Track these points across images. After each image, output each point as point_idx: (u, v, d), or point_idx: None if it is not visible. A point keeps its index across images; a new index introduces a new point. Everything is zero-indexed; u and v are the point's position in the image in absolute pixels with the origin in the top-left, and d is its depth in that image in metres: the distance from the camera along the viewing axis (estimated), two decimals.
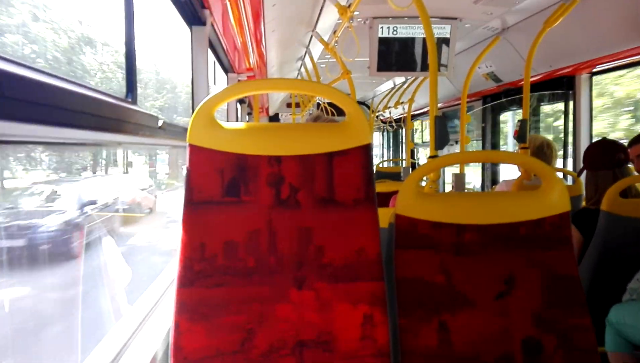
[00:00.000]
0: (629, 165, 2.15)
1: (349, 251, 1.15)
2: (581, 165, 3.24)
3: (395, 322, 1.20)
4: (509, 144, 4.84)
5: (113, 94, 1.05)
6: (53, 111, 0.70)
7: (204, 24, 2.14)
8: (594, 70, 3.22)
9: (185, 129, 1.16)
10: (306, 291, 1.14)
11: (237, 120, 4.34)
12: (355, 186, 1.17)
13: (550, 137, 3.17)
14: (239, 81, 3.69)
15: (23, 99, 0.63)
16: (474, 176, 5.21)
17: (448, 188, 6.05)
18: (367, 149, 1.19)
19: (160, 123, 1.28)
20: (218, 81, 3.53)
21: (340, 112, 1.22)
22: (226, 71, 3.67)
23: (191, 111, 2.10)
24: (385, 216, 1.37)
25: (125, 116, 1.04)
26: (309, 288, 1.14)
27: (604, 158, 2.12)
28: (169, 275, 1.79)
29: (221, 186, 1.15)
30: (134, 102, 1.19)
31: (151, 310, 1.51)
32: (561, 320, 1.20)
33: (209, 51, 2.41)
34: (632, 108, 3.91)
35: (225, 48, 2.99)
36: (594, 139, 3.32)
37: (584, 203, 2.61)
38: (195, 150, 1.14)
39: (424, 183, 2.10)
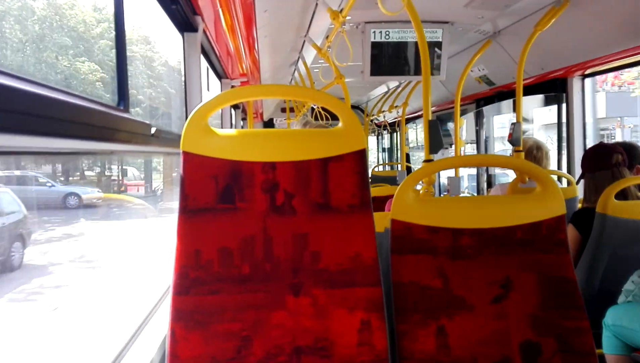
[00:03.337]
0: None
1: (345, 257, 1.15)
2: (575, 167, 3.27)
3: (393, 327, 1.19)
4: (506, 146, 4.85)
5: (104, 102, 1.05)
6: (43, 121, 0.69)
7: (196, 30, 2.13)
8: (586, 72, 3.23)
9: (179, 136, 1.15)
10: (302, 298, 1.13)
11: (231, 125, 4.33)
12: (350, 192, 1.17)
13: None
14: (232, 86, 3.68)
15: (13, 109, 0.62)
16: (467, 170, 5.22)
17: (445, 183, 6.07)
18: (361, 154, 1.19)
19: (153, 131, 1.27)
20: (211, 86, 3.52)
21: (334, 116, 1.22)
22: (219, 77, 3.66)
23: (185, 117, 2.09)
24: (381, 221, 1.37)
25: (118, 124, 1.04)
26: (305, 295, 1.13)
27: (602, 159, 2.12)
28: (164, 282, 1.78)
29: (216, 193, 1.14)
30: (126, 110, 1.18)
31: (147, 318, 1.50)
32: (559, 322, 1.20)
33: (202, 57, 2.40)
34: None
35: (218, 54, 2.98)
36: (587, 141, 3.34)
37: (579, 205, 2.62)
38: (189, 157, 1.14)
39: (419, 187, 2.10)
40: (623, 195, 2.05)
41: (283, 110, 7.52)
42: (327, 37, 3.18)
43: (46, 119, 0.71)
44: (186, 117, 1.19)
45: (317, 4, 2.65)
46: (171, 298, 1.10)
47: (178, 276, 1.10)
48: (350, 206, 1.17)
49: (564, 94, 3.37)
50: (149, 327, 1.43)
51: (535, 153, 2.78)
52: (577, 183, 2.52)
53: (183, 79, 2.20)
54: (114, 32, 1.28)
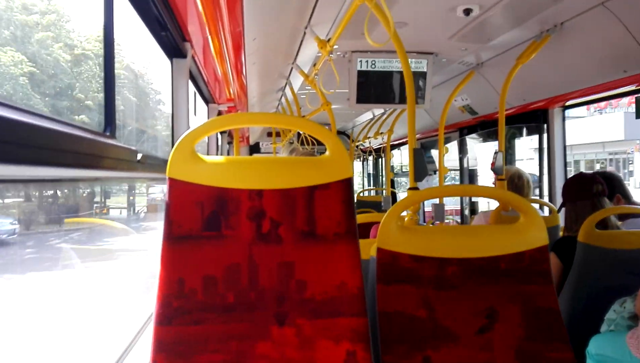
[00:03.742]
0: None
1: (330, 286, 1.14)
2: (556, 195, 3.32)
3: (379, 358, 1.18)
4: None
5: (91, 129, 1.04)
6: (26, 149, 0.68)
7: (184, 56, 2.15)
8: (567, 103, 3.32)
9: (165, 162, 1.14)
10: (287, 328, 1.12)
11: (217, 149, 4.32)
12: (336, 220, 1.17)
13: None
14: (219, 111, 3.69)
15: None
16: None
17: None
18: (348, 183, 1.19)
19: (139, 157, 1.26)
20: (199, 111, 3.53)
21: (321, 141, 1.23)
22: (207, 102, 3.67)
23: (171, 143, 2.08)
24: (366, 247, 1.37)
25: (104, 151, 1.03)
26: (290, 325, 1.12)
27: (583, 189, 2.16)
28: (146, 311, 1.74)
29: (201, 220, 1.13)
30: (112, 135, 1.18)
31: (128, 348, 1.46)
32: (543, 353, 1.20)
33: (190, 82, 2.42)
34: None
35: (205, 79, 3.00)
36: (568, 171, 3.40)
37: (561, 233, 2.65)
38: (175, 184, 1.13)
39: (404, 213, 2.11)
40: (603, 225, 2.08)
41: (269, 134, 7.55)
42: (314, 64, 3.23)
43: (30, 148, 0.70)
44: (172, 143, 1.19)
45: (305, 33, 2.70)
46: (153, 328, 1.08)
47: (161, 306, 1.08)
48: (336, 235, 1.17)
49: (545, 125, 3.45)
50: (130, 357, 1.40)
51: (516, 181, 2.83)
52: (559, 211, 2.56)
53: (171, 104, 2.20)
54: (102, 58, 1.28)
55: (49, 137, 0.73)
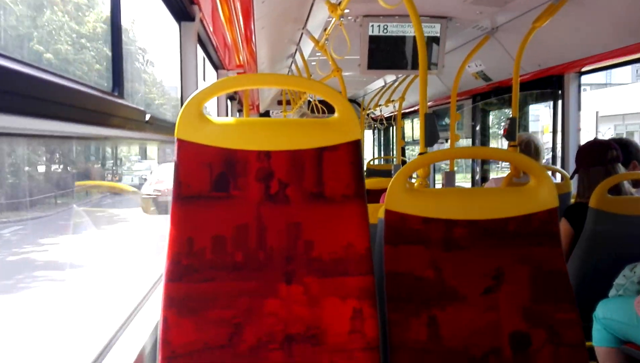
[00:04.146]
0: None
1: (337, 246, 1.15)
2: (569, 163, 3.28)
3: (384, 317, 1.20)
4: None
5: (99, 88, 1.04)
6: (35, 102, 0.69)
7: (193, 19, 2.12)
8: (583, 69, 3.24)
9: (174, 124, 1.15)
10: (295, 286, 1.13)
11: (227, 116, 4.31)
12: (344, 182, 1.17)
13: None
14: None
15: (5, 90, 0.62)
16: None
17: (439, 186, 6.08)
18: (356, 145, 1.19)
19: (147, 117, 1.27)
20: (208, 77, 3.51)
21: (331, 109, 1.22)
22: (216, 68, 3.65)
23: (180, 106, 2.08)
24: (375, 212, 1.37)
25: (112, 109, 1.03)
26: (298, 283, 1.14)
27: (597, 155, 2.13)
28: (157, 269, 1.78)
29: (210, 181, 1.14)
30: (121, 96, 1.18)
31: (139, 305, 1.50)
32: (549, 314, 1.21)
33: (199, 47, 2.39)
34: None
35: (215, 45, 2.97)
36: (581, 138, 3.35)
37: (572, 201, 2.63)
38: (183, 145, 1.13)
39: (414, 180, 2.10)
40: (616, 191, 2.06)
41: (279, 102, 7.50)
42: (325, 29, 3.17)
43: (41, 101, 0.70)
44: (181, 106, 1.19)
45: None
46: (164, 285, 1.10)
47: (171, 263, 1.11)
48: (344, 196, 1.17)
49: (560, 91, 3.38)
50: (141, 313, 1.44)
51: (523, 147, 2.81)
52: (572, 178, 2.53)
53: (179, 68, 2.19)
54: (109, 19, 1.27)
55: (55, 91, 0.73)
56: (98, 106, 0.94)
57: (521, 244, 1.24)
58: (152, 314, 1.40)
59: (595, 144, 2.20)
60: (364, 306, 1.13)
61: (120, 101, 1.14)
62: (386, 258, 1.23)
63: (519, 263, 1.23)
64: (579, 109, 3.35)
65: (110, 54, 1.23)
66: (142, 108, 1.24)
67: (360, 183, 1.18)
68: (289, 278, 1.14)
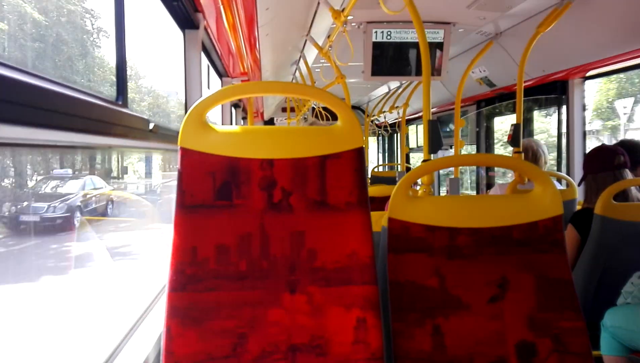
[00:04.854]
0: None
1: (341, 255, 1.15)
2: (575, 168, 3.26)
3: (389, 326, 1.19)
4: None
5: (103, 97, 1.04)
6: (40, 113, 0.69)
7: (197, 27, 2.13)
8: (587, 74, 3.23)
9: (177, 133, 1.15)
10: (298, 295, 1.13)
11: (231, 123, 4.32)
12: (347, 189, 1.17)
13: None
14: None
15: (9, 100, 0.62)
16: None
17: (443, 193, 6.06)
18: (359, 152, 1.18)
19: (151, 126, 1.27)
20: (212, 85, 3.52)
21: (335, 116, 1.22)
22: (220, 75, 3.66)
23: (184, 114, 2.08)
24: (379, 220, 1.36)
25: (116, 118, 1.03)
26: (302, 292, 1.13)
27: (604, 161, 2.12)
28: (160, 279, 1.78)
29: (213, 190, 1.14)
30: (125, 105, 1.18)
31: (143, 315, 1.49)
32: (555, 323, 1.20)
33: (203, 55, 2.40)
34: None
35: (219, 52, 2.98)
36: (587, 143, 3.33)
37: (578, 207, 2.61)
38: (187, 153, 1.13)
39: (418, 187, 2.10)
40: (624, 197, 2.05)
41: (284, 110, 7.52)
42: (328, 36, 3.18)
43: (45, 111, 0.70)
44: (185, 114, 1.19)
45: (319, 3, 2.65)
46: (167, 295, 1.10)
47: (174, 273, 1.10)
48: (348, 204, 1.16)
49: (564, 97, 3.36)
50: (145, 323, 1.43)
51: (529, 155, 2.80)
52: (579, 184, 2.52)
53: (184, 76, 2.20)
54: (114, 28, 1.28)
55: (59, 101, 0.73)
56: (102, 115, 0.94)
57: (526, 252, 1.23)
58: (156, 324, 1.40)
59: (603, 149, 2.19)
60: (368, 316, 1.12)
61: (124, 110, 1.14)
62: (390, 267, 1.22)
63: (523, 271, 1.22)
64: (584, 114, 3.34)
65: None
66: (145, 117, 1.24)
67: (363, 190, 1.18)
68: (293, 287, 1.13)
